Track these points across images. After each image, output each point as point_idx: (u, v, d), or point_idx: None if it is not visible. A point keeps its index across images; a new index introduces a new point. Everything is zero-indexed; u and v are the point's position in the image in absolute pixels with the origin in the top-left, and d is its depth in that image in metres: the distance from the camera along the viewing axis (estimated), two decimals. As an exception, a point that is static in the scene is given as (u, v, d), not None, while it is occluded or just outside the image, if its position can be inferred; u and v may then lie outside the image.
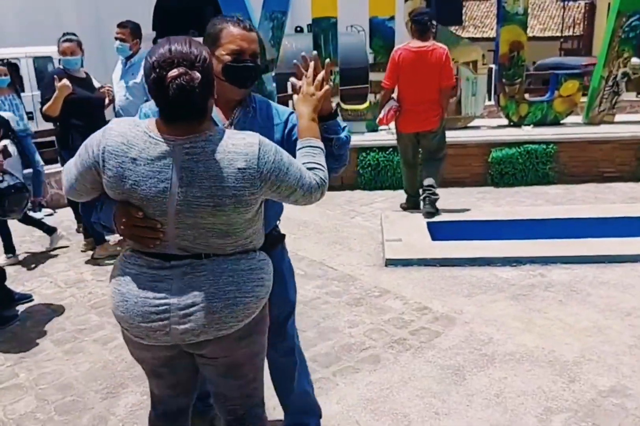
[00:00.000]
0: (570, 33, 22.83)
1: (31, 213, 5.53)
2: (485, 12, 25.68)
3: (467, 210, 4.96)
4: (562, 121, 6.32)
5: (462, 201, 5.38)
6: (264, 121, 1.84)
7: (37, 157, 5.55)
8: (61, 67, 4.44)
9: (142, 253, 1.58)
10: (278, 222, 2.03)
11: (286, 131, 1.85)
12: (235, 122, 1.80)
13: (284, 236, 2.08)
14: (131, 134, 1.50)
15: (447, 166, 5.88)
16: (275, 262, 1.88)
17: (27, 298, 3.67)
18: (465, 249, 4.04)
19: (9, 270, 3.87)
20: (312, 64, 1.76)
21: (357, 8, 7.20)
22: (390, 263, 3.98)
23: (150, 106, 1.79)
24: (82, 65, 4.41)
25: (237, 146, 1.48)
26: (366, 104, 6.32)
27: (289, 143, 1.80)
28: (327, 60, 1.80)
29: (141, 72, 3.90)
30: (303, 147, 1.69)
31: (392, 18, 6.12)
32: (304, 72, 1.76)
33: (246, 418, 1.78)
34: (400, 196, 5.45)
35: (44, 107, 4.21)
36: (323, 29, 6.13)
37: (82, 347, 3.12)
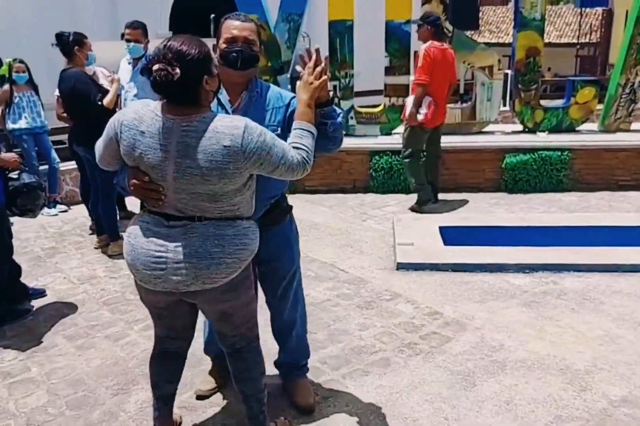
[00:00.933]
0: (587, 40, 22.68)
1: (46, 209, 5.60)
2: (501, 17, 25.62)
3: (480, 215, 4.95)
4: (577, 128, 6.28)
5: (475, 207, 5.37)
6: (268, 104, 2.11)
7: (53, 154, 5.62)
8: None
9: (150, 213, 1.92)
10: (282, 195, 2.30)
11: (287, 113, 2.11)
12: (242, 105, 2.07)
13: (290, 207, 2.37)
14: (142, 111, 1.83)
15: (461, 171, 5.93)
16: (284, 231, 2.33)
17: (40, 293, 3.70)
18: (478, 254, 4.02)
19: (24, 266, 3.90)
20: (314, 56, 1.99)
21: (374, 11, 7.20)
22: (402, 266, 3.98)
23: None
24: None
25: (225, 127, 1.77)
26: (380, 108, 6.32)
27: (289, 124, 2.03)
28: (326, 54, 2.05)
29: None
30: (295, 128, 1.96)
31: (408, 22, 6.12)
32: (307, 62, 2.00)
33: (243, 351, 2.13)
34: (413, 199, 5.47)
35: (106, 101, 4.20)
36: (339, 32, 6.13)
37: (94, 343, 3.14)
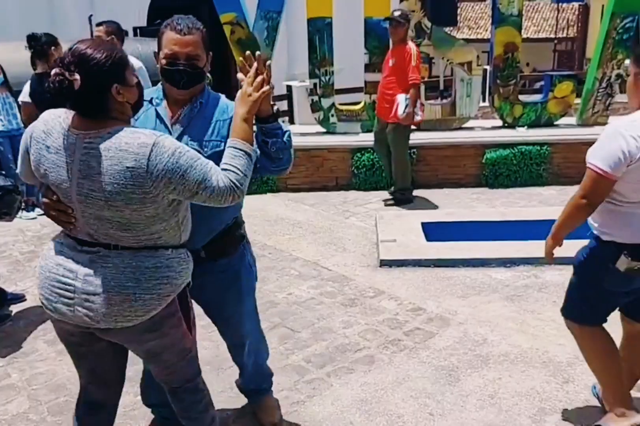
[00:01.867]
0: (564, 35, 22.93)
1: (24, 213, 5.51)
2: (479, 14, 25.76)
3: (462, 211, 4.98)
4: (556, 123, 6.33)
5: (456, 202, 5.39)
6: (211, 116, 1.88)
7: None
8: None
9: (65, 234, 1.73)
10: (234, 222, 2.04)
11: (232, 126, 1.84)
12: (181, 118, 1.87)
13: (243, 237, 2.11)
14: (51, 123, 1.63)
15: (442, 166, 5.96)
16: (233, 265, 2.07)
17: (19, 298, 3.64)
18: (460, 250, 4.04)
19: (2, 270, 3.84)
20: (255, 64, 1.75)
21: (352, 8, 7.20)
22: (385, 263, 3.99)
23: None
24: None
25: (130, 145, 1.53)
26: (361, 105, 6.32)
27: None
28: (269, 62, 1.79)
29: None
30: (228, 147, 1.70)
31: (387, 19, 6.12)
32: (248, 69, 1.76)
33: (178, 391, 1.91)
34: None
35: None
36: (318, 29, 6.12)
37: (75, 347, 3.10)
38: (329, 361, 2.88)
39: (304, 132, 6.40)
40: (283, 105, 8.76)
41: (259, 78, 1.73)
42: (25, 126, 4.73)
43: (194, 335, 1.88)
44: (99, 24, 4.50)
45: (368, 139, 5.77)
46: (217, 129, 1.88)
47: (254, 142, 1.76)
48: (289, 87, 8.91)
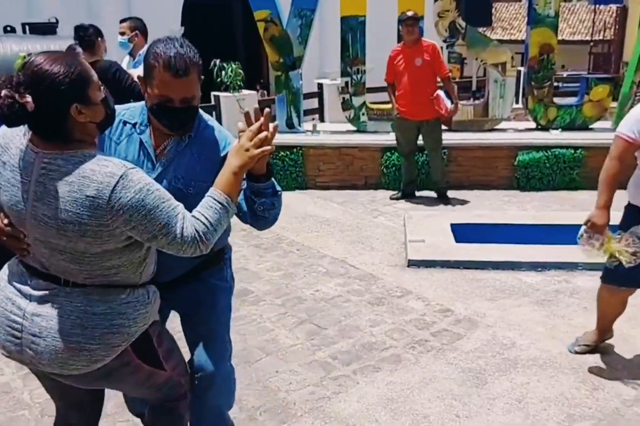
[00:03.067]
0: (601, 37, 22.46)
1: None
2: (513, 14, 25.41)
3: (492, 213, 4.93)
4: (591, 126, 6.23)
5: (487, 204, 5.34)
6: (200, 152, 1.71)
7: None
8: None
9: (20, 263, 1.57)
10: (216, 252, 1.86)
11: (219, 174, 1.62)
12: (167, 151, 1.71)
13: (222, 256, 1.94)
14: (11, 137, 1.48)
15: (473, 168, 5.92)
16: (212, 277, 1.90)
17: None
18: (490, 252, 4.00)
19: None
20: (261, 119, 1.58)
21: (386, 7, 7.18)
22: (413, 263, 3.97)
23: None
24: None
25: (95, 173, 1.38)
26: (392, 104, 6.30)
27: None
28: (275, 123, 1.63)
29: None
30: (206, 196, 1.54)
31: (421, 17, 6.09)
32: (252, 122, 1.59)
33: (157, 409, 1.81)
34: (424, 196, 5.52)
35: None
36: (351, 28, 6.12)
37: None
38: (355, 359, 2.88)
39: (334, 131, 6.42)
40: (314, 103, 8.78)
41: (262, 135, 1.57)
42: None
43: (176, 364, 1.75)
44: (122, 21, 4.59)
45: (398, 138, 5.74)
46: (205, 168, 1.69)
47: (239, 196, 1.63)
48: (320, 85, 8.93)
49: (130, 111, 1.76)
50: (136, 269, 1.55)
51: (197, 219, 1.48)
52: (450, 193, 5.50)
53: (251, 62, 11.42)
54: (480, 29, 6.93)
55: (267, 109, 1.60)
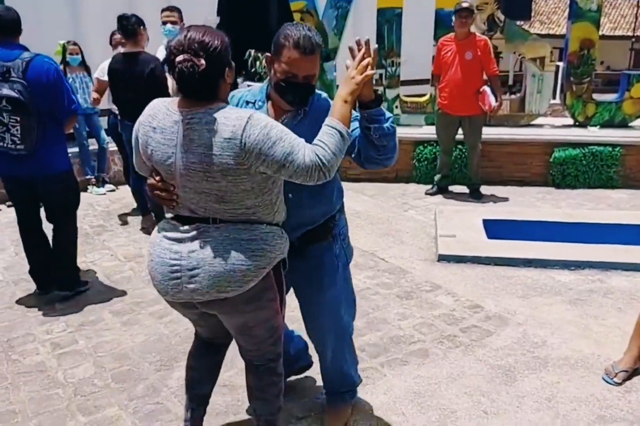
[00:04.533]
0: (643, 33, 21.82)
1: (95, 189, 5.74)
2: (552, 8, 24.84)
3: (525, 210, 4.86)
4: (630, 124, 6.07)
5: (520, 200, 5.27)
6: (315, 121, 1.81)
7: (103, 134, 5.75)
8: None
9: (167, 219, 1.82)
10: (333, 217, 2.06)
11: (331, 107, 1.82)
12: (284, 123, 1.81)
13: (330, 230, 2.06)
14: (157, 107, 1.74)
15: (507, 163, 5.83)
16: (320, 252, 2.06)
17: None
18: (522, 249, 3.95)
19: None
20: (363, 49, 1.76)
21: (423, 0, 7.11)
22: (443, 258, 3.94)
23: (241, 93, 1.97)
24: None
25: (228, 119, 1.62)
26: (426, 97, 6.24)
27: None
28: (375, 46, 1.80)
29: None
30: (323, 125, 1.72)
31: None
32: (356, 54, 1.77)
33: (261, 370, 2.01)
34: (457, 190, 5.47)
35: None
36: (387, 20, 6.07)
37: (139, 319, 3.22)
38: (383, 352, 2.88)
39: (366, 123, 6.38)
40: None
41: (365, 62, 1.74)
42: (94, 102, 4.93)
43: (283, 316, 1.96)
44: (167, 9, 4.60)
45: (431, 132, 5.70)
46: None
47: (351, 126, 1.78)
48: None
49: (251, 92, 1.97)
50: (269, 211, 1.78)
51: (317, 145, 1.67)
52: (483, 189, 5.44)
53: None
54: (519, 23, 6.79)
55: (367, 37, 1.77)
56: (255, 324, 1.87)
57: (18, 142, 3.05)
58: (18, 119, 3.01)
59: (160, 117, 1.71)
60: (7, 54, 3.03)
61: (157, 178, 1.75)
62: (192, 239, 1.74)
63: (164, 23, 4.54)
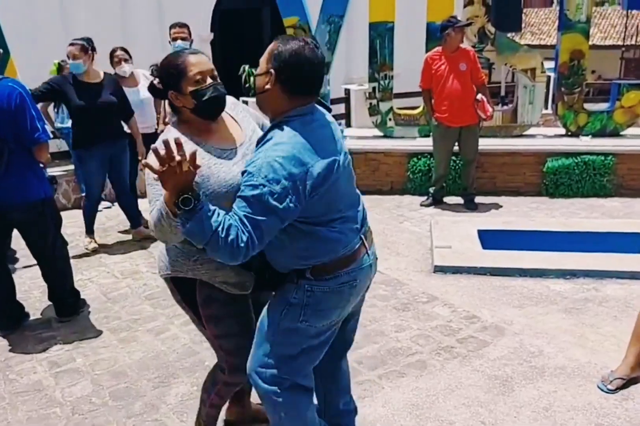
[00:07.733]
0: (633, 42, 22.06)
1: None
2: (543, 19, 25.10)
3: (520, 219, 4.89)
4: (622, 133, 6.13)
5: (514, 210, 5.30)
6: None
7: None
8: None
9: None
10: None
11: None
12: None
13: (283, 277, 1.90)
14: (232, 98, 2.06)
15: (501, 174, 5.87)
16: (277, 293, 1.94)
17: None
18: (517, 259, 3.97)
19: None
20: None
21: (414, 13, 7.19)
22: (439, 269, 3.96)
23: None
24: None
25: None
26: (419, 110, 6.30)
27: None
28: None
29: None
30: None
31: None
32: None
33: (214, 366, 2.18)
34: (451, 202, 5.50)
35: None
36: (379, 34, 6.14)
37: (136, 336, 3.23)
38: (381, 364, 2.89)
39: (360, 136, 6.44)
40: (340, 108, 8.81)
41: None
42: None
43: (219, 335, 2.07)
44: (173, 26, 4.65)
45: (425, 143, 5.75)
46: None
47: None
48: (347, 91, 8.96)
49: None
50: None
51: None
52: (477, 199, 5.47)
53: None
54: (510, 34, 6.88)
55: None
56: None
57: None
58: None
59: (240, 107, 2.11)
60: None
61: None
62: None
63: (174, 39, 4.58)
